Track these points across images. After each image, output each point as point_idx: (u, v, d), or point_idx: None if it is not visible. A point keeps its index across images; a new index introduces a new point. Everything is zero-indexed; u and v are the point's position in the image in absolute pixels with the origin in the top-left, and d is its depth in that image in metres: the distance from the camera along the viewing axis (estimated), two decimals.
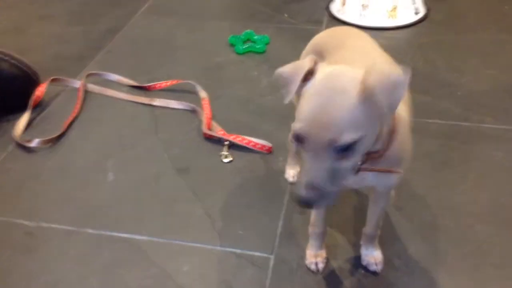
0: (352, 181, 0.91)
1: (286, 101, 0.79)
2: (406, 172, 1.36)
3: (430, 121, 1.59)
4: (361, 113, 0.72)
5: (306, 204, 0.76)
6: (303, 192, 0.75)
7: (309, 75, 0.78)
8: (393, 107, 0.72)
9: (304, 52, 1.16)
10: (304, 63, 0.78)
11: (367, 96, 0.71)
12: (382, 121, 0.78)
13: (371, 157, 0.85)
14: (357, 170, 0.84)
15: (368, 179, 0.91)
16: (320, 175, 0.74)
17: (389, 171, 0.88)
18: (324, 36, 1.12)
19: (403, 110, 0.91)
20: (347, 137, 0.72)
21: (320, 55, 1.04)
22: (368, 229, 1.12)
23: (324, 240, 1.15)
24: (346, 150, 0.74)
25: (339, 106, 0.72)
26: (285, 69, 0.80)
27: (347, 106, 0.72)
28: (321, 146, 0.73)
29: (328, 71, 0.77)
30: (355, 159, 0.77)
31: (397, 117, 0.86)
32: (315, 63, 0.78)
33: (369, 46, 1.07)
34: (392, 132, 0.85)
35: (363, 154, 0.82)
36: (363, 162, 0.85)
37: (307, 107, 0.74)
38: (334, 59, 0.99)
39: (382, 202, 1.06)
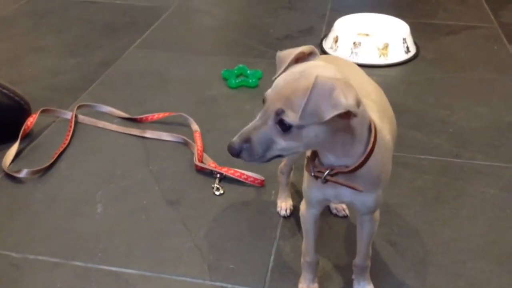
0: (328, 193, 0.94)
1: (275, 77, 0.85)
2: (399, 206, 1.38)
3: (422, 157, 1.60)
4: (308, 103, 0.75)
5: (232, 150, 0.83)
6: (235, 139, 0.83)
7: (301, 59, 0.85)
8: (311, 112, 0.76)
9: None
10: (299, 48, 0.85)
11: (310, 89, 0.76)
12: (335, 131, 0.81)
13: (340, 171, 0.87)
14: (325, 180, 0.89)
15: (345, 194, 0.93)
16: (257, 134, 0.82)
17: (352, 187, 0.89)
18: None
19: (387, 131, 0.93)
20: (290, 115, 0.78)
21: None
22: (357, 259, 1.10)
23: (316, 273, 1.13)
24: (287, 130, 0.79)
25: (296, 87, 0.79)
26: (283, 51, 0.87)
27: (301, 90, 0.77)
28: (271, 112, 0.81)
29: (315, 62, 0.84)
30: (292, 145, 0.81)
31: (378, 138, 0.87)
32: (311, 52, 0.86)
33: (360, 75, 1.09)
34: (369, 151, 0.86)
35: (329, 166, 0.88)
36: (333, 174, 0.88)
37: (279, 79, 0.83)
38: None
39: (368, 228, 1.04)
